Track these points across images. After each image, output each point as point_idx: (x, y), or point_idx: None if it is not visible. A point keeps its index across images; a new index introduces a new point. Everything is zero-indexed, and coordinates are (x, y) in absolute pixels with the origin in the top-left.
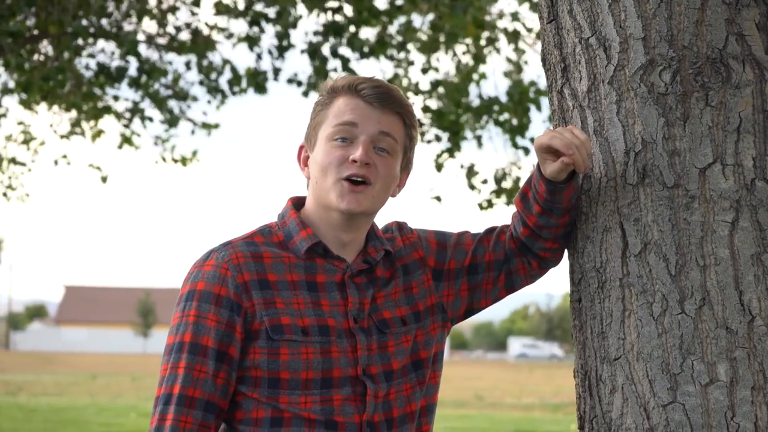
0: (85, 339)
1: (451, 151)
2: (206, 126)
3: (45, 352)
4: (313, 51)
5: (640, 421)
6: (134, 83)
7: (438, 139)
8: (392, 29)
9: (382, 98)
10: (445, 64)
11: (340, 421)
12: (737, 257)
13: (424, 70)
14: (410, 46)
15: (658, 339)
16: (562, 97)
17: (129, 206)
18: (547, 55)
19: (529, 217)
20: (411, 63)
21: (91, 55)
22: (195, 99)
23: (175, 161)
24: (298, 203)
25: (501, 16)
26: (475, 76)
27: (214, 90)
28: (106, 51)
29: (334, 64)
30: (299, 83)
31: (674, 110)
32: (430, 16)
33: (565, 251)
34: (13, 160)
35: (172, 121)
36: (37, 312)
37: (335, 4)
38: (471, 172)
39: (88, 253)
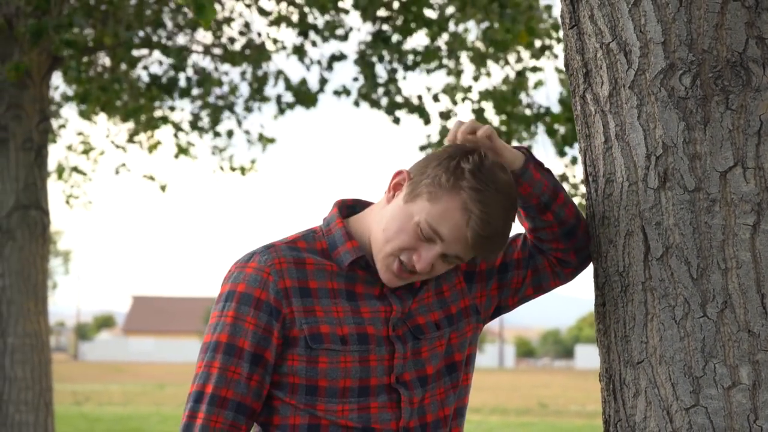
0: (152, 349)
1: None
2: (263, 139)
3: (113, 362)
4: (363, 59)
5: (663, 424)
6: (185, 94)
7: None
8: (441, 41)
9: (481, 247)
10: (496, 72)
11: (377, 428)
12: (759, 260)
13: (476, 78)
14: (462, 56)
15: (680, 342)
16: (585, 102)
17: (194, 215)
18: (569, 60)
19: (522, 223)
20: (461, 72)
21: (145, 67)
22: (249, 110)
23: (233, 170)
24: (345, 209)
25: (557, 28)
26: (530, 83)
27: (263, 100)
28: (162, 62)
29: (381, 69)
30: (347, 93)
31: (694, 114)
32: (483, 25)
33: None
34: (75, 169)
35: (227, 133)
36: (105, 322)
37: (386, 14)
38: None
39: (155, 263)
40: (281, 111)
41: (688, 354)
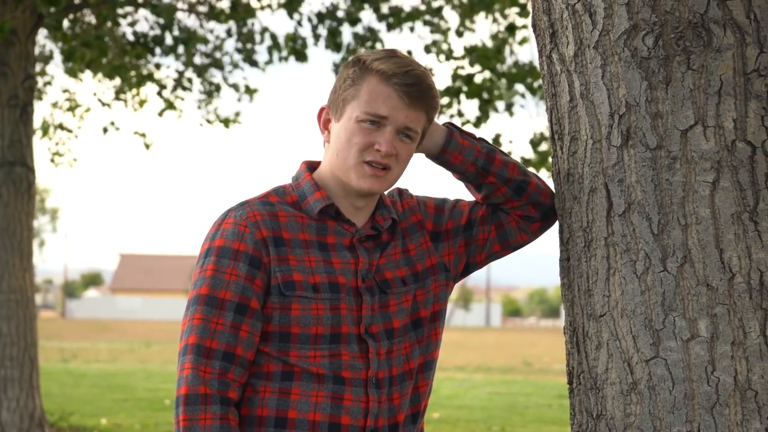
0: (139, 307)
1: (478, 122)
2: (248, 91)
3: (100, 319)
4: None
5: (624, 375)
6: (170, 52)
7: (461, 114)
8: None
9: (414, 96)
10: (481, 28)
11: (348, 376)
12: (718, 216)
13: (460, 33)
14: (447, 9)
15: (641, 296)
16: (551, 62)
17: (181, 173)
18: (536, 20)
19: (474, 195)
20: (447, 30)
21: (131, 24)
22: (236, 66)
23: (220, 121)
24: (311, 166)
25: None
26: (516, 40)
27: (251, 61)
28: (148, 20)
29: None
30: (339, 48)
31: (657, 74)
32: None
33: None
34: (60, 126)
35: (213, 90)
36: (92, 280)
37: None
38: (495, 144)
39: (142, 221)
40: (266, 64)
41: (648, 307)
